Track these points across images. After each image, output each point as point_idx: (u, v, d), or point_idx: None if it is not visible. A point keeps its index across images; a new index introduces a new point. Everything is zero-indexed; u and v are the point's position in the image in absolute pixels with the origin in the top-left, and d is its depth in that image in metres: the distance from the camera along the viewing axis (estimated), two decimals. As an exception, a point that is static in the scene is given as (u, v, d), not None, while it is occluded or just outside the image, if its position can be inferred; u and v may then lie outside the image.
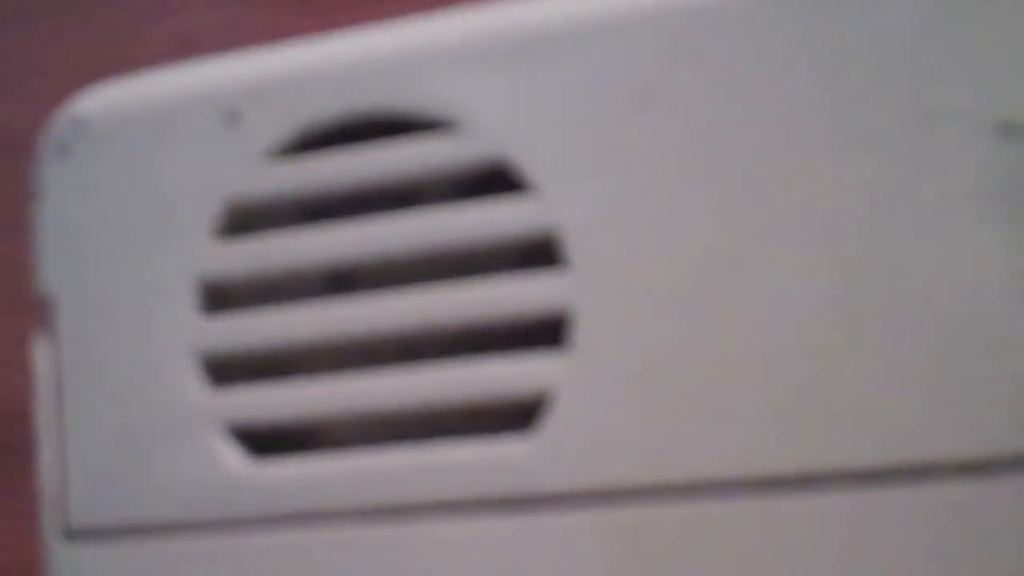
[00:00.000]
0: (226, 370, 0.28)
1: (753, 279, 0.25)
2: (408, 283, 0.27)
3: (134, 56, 0.58)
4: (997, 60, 0.24)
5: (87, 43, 0.60)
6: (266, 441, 0.28)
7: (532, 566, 0.26)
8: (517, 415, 0.26)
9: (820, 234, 0.25)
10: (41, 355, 0.29)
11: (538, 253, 0.26)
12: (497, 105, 0.26)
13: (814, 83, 0.25)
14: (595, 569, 0.25)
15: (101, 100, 0.29)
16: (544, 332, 0.26)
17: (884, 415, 0.24)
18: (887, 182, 0.24)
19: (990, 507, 0.23)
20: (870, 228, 0.24)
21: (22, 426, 0.56)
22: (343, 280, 0.28)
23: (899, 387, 0.24)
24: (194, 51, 0.57)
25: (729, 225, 0.25)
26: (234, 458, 0.28)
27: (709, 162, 0.25)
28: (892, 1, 0.24)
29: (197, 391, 0.28)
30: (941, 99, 0.24)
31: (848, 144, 0.25)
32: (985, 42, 0.24)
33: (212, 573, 0.27)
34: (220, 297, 0.28)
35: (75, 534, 0.29)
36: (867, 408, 0.24)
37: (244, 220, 0.28)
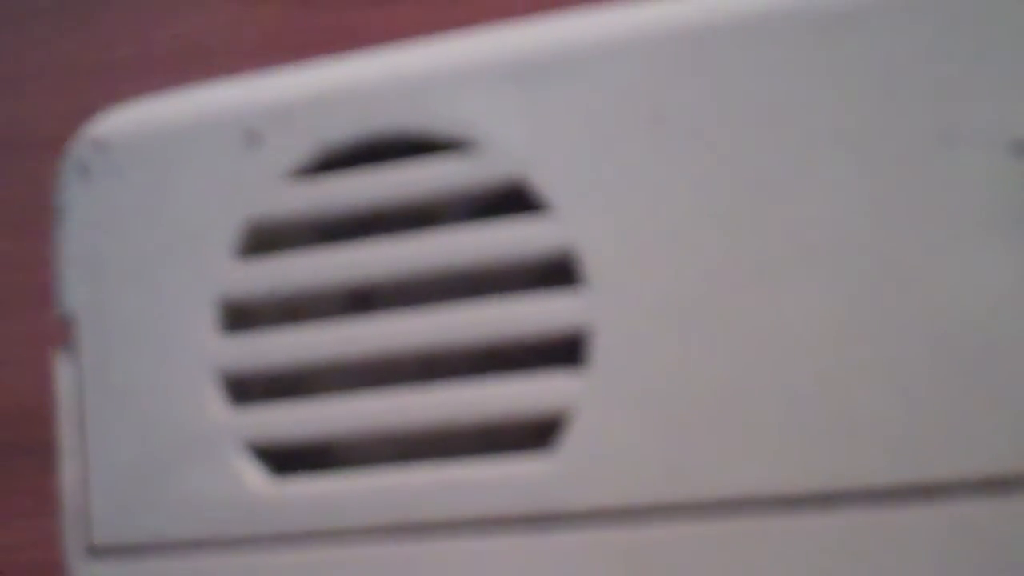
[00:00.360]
0: (246, 389, 0.28)
1: (768, 297, 0.25)
2: (427, 302, 0.27)
3: (136, 57, 0.59)
4: (1011, 79, 0.24)
5: (89, 44, 0.60)
6: (286, 459, 0.28)
7: (551, 584, 0.26)
8: (535, 434, 0.27)
9: (835, 253, 0.25)
10: (63, 373, 0.30)
11: (556, 273, 0.27)
12: (514, 125, 0.27)
13: (828, 102, 0.25)
14: (614, 587, 0.26)
15: (122, 121, 0.30)
16: (562, 351, 0.27)
17: (899, 434, 0.24)
18: (902, 201, 0.24)
19: (1006, 525, 0.24)
20: (885, 247, 0.24)
21: (29, 425, 0.57)
22: (362, 299, 0.28)
23: (914, 406, 0.24)
24: (196, 52, 0.58)
25: (744, 244, 0.25)
26: (254, 476, 0.28)
27: (724, 181, 0.25)
28: (906, 21, 0.25)
29: (217, 409, 0.28)
30: (955, 118, 0.24)
31: (862, 163, 0.25)
32: (999, 61, 0.24)
33: (233, 591, 0.28)
34: (240, 316, 0.29)
35: (98, 551, 0.29)
36: (882, 427, 0.24)
37: (264, 240, 0.28)
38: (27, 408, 0.58)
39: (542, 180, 0.26)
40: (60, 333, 0.30)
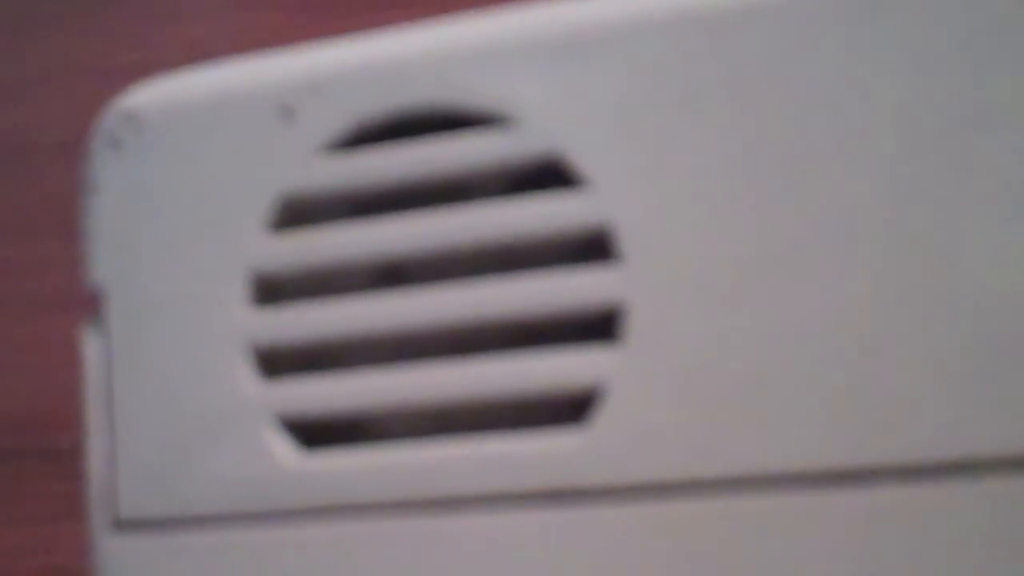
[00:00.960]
0: (277, 362, 0.28)
1: (802, 275, 0.25)
2: (459, 279, 0.27)
3: (144, 62, 0.59)
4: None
5: (97, 48, 0.60)
6: (316, 434, 0.28)
7: (582, 560, 0.26)
8: (568, 409, 0.27)
9: (870, 232, 0.25)
10: (91, 347, 0.29)
11: (590, 249, 0.27)
12: (550, 101, 0.27)
13: (864, 82, 0.25)
14: (645, 563, 0.25)
15: (154, 95, 0.30)
16: (595, 329, 0.27)
17: (931, 410, 0.24)
18: (936, 180, 0.24)
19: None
20: (919, 226, 0.24)
21: (36, 430, 0.57)
22: (394, 275, 0.28)
23: (947, 383, 0.24)
24: (205, 56, 0.58)
25: (779, 222, 0.25)
26: (284, 450, 0.28)
27: (760, 159, 0.25)
28: (940, 1, 0.25)
29: (248, 383, 0.28)
30: (988, 99, 0.24)
31: (897, 143, 0.25)
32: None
33: (261, 564, 0.28)
34: (272, 290, 0.28)
35: (124, 525, 0.29)
36: (914, 403, 0.24)
37: (297, 214, 0.28)
38: (34, 414, 0.58)
39: (578, 156, 0.27)
40: (88, 307, 0.29)
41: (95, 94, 0.60)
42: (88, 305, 0.29)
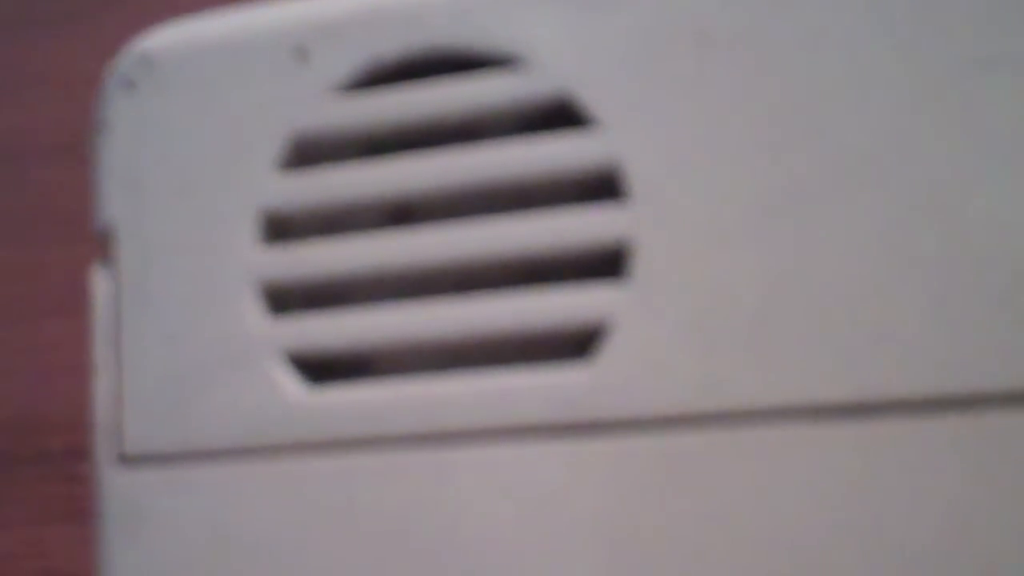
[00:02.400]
0: (285, 300, 0.29)
1: (809, 215, 0.25)
2: (468, 218, 0.28)
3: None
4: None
5: (89, 53, 0.61)
6: (324, 371, 0.28)
7: (587, 491, 0.26)
8: (575, 346, 0.27)
9: (873, 175, 0.25)
10: (99, 285, 0.30)
11: (599, 189, 0.27)
12: (560, 42, 0.27)
13: (871, 27, 0.26)
14: (650, 495, 0.26)
15: (169, 38, 0.30)
16: (603, 268, 0.27)
17: (931, 347, 0.25)
18: (941, 125, 0.25)
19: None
20: (923, 170, 0.25)
21: (30, 434, 0.57)
22: (405, 215, 0.28)
23: (946, 320, 0.24)
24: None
25: (786, 163, 0.26)
26: (292, 385, 0.28)
27: (768, 102, 0.26)
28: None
29: (256, 320, 0.28)
30: (993, 45, 0.25)
31: (902, 88, 0.25)
32: (1041, -14, 0.25)
33: (267, 498, 0.28)
34: (282, 229, 0.29)
35: (129, 460, 0.29)
36: (914, 340, 0.25)
37: (309, 154, 0.29)
38: (27, 416, 0.58)
39: (589, 96, 0.27)
40: (98, 247, 0.30)
41: (92, 98, 0.60)
42: (97, 243, 0.30)
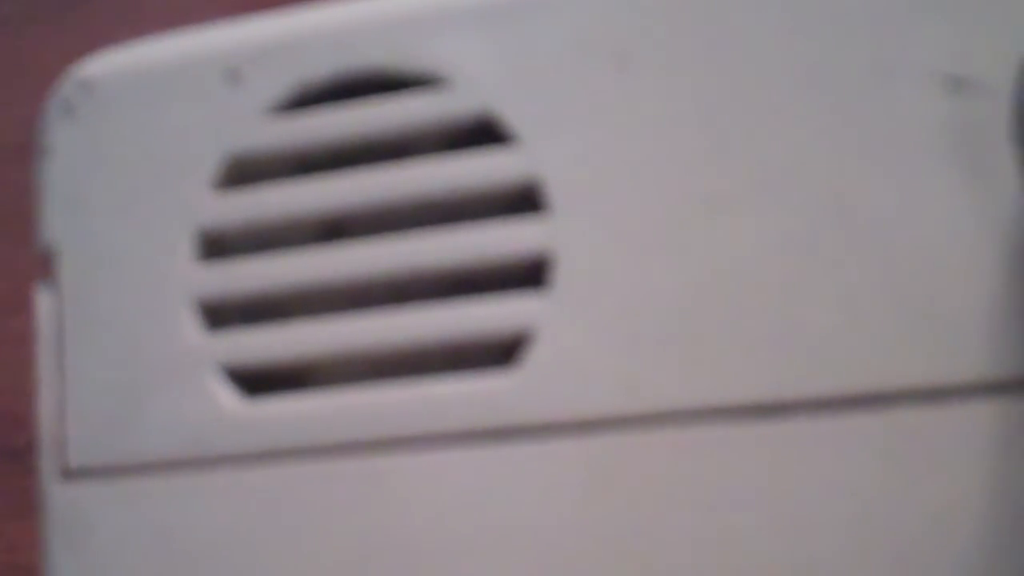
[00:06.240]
0: (222, 315, 0.29)
1: (722, 223, 0.26)
2: (399, 233, 0.29)
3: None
4: (948, 17, 0.26)
5: (55, 50, 0.61)
6: (260, 382, 0.29)
7: (514, 494, 0.27)
8: (500, 354, 0.28)
9: (783, 181, 0.26)
10: (43, 303, 0.31)
11: (523, 202, 0.28)
12: (484, 62, 0.28)
13: (781, 40, 0.27)
14: (574, 496, 0.27)
15: (107, 63, 0.31)
16: (528, 278, 0.28)
17: (842, 348, 0.26)
18: (850, 133, 0.26)
19: (949, 432, 0.25)
20: (830, 177, 0.26)
21: (7, 428, 0.57)
22: (336, 230, 0.29)
23: (857, 322, 0.26)
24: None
25: (700, 172, 0.27)
26: (228, 397, 0.29)
27: (682, 115, 0.27)
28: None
29: (193, 334, 0.29)
30: (893, 54, 0.26)
31: (813, 98, 0.26)
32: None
33: (207, 508, 0.29)
34: (218, 246, 0.30)
35: (72, 474, 0.30)
36: (826, 342, 0.26)
37: (243, 174, 0.30)
38: (4, 412, 0.58)
39: (510, 114, 0.28)
40: (41, 266, 0.31)
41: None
42: (40, 262, 0.30)
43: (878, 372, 0.25)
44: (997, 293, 0.25)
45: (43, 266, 0.31)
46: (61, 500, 0.30)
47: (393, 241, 0.28)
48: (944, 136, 0.26)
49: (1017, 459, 0.25)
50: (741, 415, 0.26)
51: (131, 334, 0.30)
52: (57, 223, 0.31)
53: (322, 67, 0.29)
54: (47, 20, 0.62)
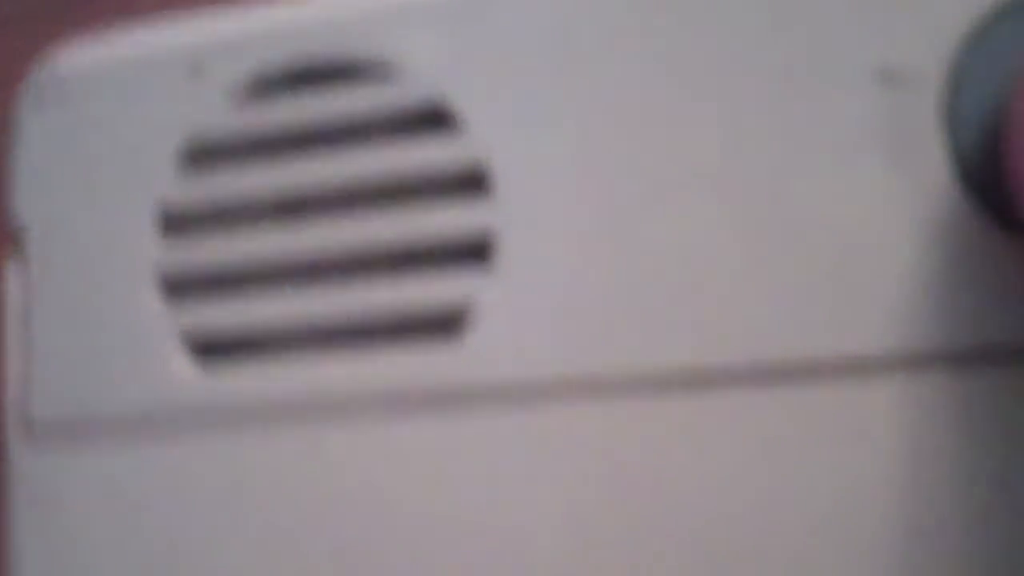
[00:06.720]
0: (182, 288, 0.31)
1: (657, 204, 0.28)
2: (351, 213, 0.30)
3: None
4: (881, 12, 0.27)
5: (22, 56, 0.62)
6: (216, 351, 0.31)
7: (454, 460, 0.29)
8: (446, 326, 0.29)
9: (718, 166, 0.28)
10: (12, 279, 0.32)
11: (471, 184, 0.30)
12: (434, 52, 0.30)
13: (719, 33, 0.28)
14: (510, 462, 0.28)
15: (77, 54, 0.33)
16: (474, 254, 0.30)
17: (769, 322, 0.27)
18: (783, 123, 0.28)
19: (864, 405, 0.27)
20: (762, 165, 0.28)
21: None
22: (296, 209, 0.31)
23: (782, 297, 0.27)
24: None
25: (638, 155, 0.28)
26: (185, 364, 0.30)
27: (622, 103, 0.29)
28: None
29: (154, 305, 0.31)
30: (826, 48, 0.28)
31: (749, 88, 0.28)
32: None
33: (163, 469, 0.30)
34: (180, 226, 0.31)
35: (36, 437, 0.31)
36: (754, 316, 0.27)
37: (205, 158, 0.31)
38: None
39: (457, 101, 0.30)
40: (12, 244, 0.32)
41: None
42: (12, 241, 0.32)
43: (799, 345, 0.27)
44: (914, 271, 0.27)
45: (14, 244, 0.32)
46: (25, 460, 0.31)
47: (346, 220, 0.30)
48: (874, 127, 0.27)
49: (929, 431, 0.26)
50: (669, 385, 0.28)
51: (95, 306, 0.31)
52: (26, 203, 0.32)
53: (278, 58, 0.31)
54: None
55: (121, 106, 0.32)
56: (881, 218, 0.27)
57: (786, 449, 0.27)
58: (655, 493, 0.27)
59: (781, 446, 0.27)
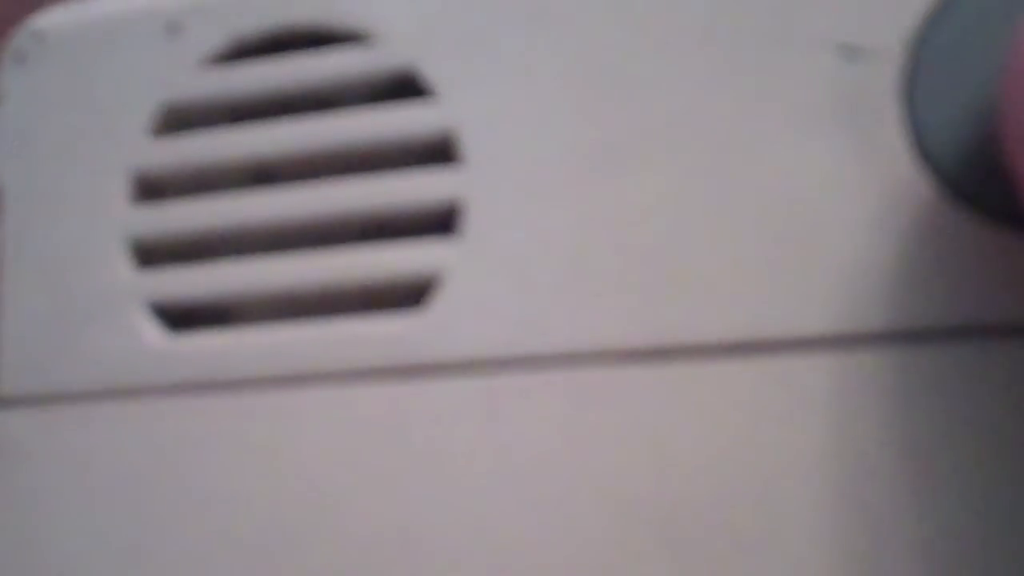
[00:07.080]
0: (153, 255, 0.31)
1: (623, 176, 0.28)
2: (326, 179, 0.30)
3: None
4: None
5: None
6: (185, 319, 0.31)
7: (419, 428, 0.28)
8: (413, 296, 0.29)
9: (681, 139, 0.28)
10: (-14, 239, 0.32)
11: (441, 153, 0.30)
12: (407, 21, 0.30)
13: (686, 5, 0.28)
14: (473, 430, 0.28)
15: (60, 16, 0.33)
16: (442, 223, 0.29)
17: (730, 297, 0.27)
18: (746, 96, 0.27)
19: (815, 381, 0.26)
20: (725, 136, 0.27)
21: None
22: (268, 177, 0.31)
23: (744, 272, 0.27)
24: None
25: (604, 128, 0.28)
26: (153, 332, 0.30)
27: (591, 74, 0.28)
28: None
29: (124, 272, 0.31)
30: (790, 22, 0.27)
31: (713, 62, 0.28)
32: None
33: (130, 436, 0.30)
34: (153, 190, 0.31)
35: (4, 401, 0.31)
36: (715, 290, 0.27)
37: (179, 121, 0.31)
38: None
39: (430, 69, 0.29)
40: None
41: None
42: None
43: (753, 322, 0.27)
44: (870, 246, 0.26)
45: (-9, 205, 0.32)
46: (-7, 426, 0.31)
47: (315, 189, 0.30)
48: (834, 101, 0.27)
49: (877, 407, 0.26)
50: (632, 356, 0.27)
51: (66, 269, 0.31)
52: (4, 163, 0.32)
53: (256, 22, 0.31)
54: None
55: (99, 67, 0.32)
56: (838, 192, 0.27)
57: (733, 424, 0.27)
58: (615, 462, 0.27)
59: (729, 421, 0.27)
